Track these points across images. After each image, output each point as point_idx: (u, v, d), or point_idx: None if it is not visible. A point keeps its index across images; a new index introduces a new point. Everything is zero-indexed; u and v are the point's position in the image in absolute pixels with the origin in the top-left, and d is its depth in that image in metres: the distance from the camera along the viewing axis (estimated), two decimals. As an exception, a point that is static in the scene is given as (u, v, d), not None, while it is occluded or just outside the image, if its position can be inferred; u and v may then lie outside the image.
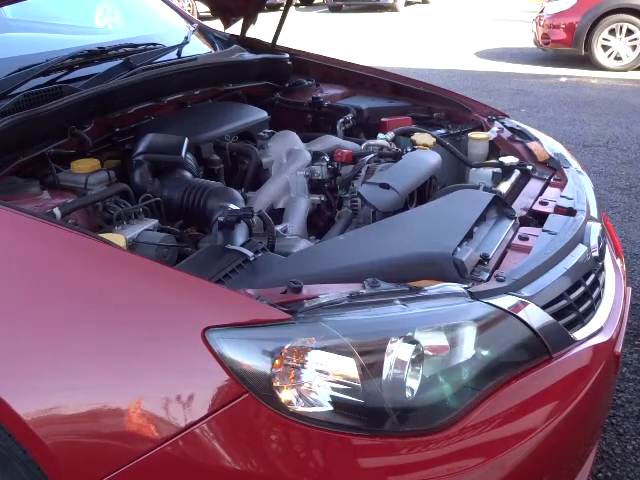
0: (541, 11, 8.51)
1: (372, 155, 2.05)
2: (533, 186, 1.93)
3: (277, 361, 1.08)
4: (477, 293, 1.26)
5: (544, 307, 1.34)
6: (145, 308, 1.13)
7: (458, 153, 2.27)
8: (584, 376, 1.34)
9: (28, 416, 1.10)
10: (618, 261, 1.87)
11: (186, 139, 1.94)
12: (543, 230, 1.61)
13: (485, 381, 1.19)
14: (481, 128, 2.42)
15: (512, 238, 1.59)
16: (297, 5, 18.50)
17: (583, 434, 1.41)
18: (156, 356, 1.09)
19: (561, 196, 1.83)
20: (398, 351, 1.11)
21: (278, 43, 2.76)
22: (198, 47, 2.60)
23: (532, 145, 2.20)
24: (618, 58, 7.98)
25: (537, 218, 1.74)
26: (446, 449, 1.11)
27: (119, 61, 2.11)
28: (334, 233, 1.81)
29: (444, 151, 2.24)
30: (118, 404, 1.08)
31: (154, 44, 2.33)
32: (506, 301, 1.28)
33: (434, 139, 2.25)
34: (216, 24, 3.02)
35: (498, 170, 2.03)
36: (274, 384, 1.07)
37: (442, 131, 2.42)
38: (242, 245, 1.49)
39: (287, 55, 2.71)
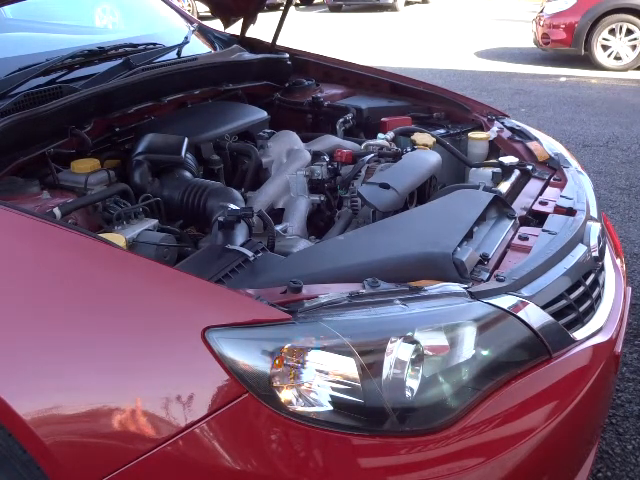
0: (541, 11, 8.50)
1: (372, 155, 2.05)
2: (533, 186, 1.93)
3: (277, 361, 1.08)
4: (477, 293, 1.26)
5: (544, 307, 1.34)
6: (145, 308, 1.13)
7: (458, 153, 2.27)
8: (584, 376, 1.34)
9: (28, 416, 1.10)
10: (618, 261, 1.87)
11: (186, 139, 1.94)
12: (543, 230, 1.61)
13: (485, 381, 1.19)
14: (481, 128, 2.42)
15: (512, 238, 1.59)
16: (297, 5, 18.48)
17: (583, 434, 1.41)
18: (156, 356, 1.09)
19: (561, 196, 1.83)
20: (398, 351, 1.11)
21: (278, 43, 2.76)
22: (198, 47, 2.60)
23: (532, 145, 2.20)
24: (618, 58, 7.98)
25: (537, 218, 1.74)
26: (446, 449, 1.11)
27: (119, 61, 2.11)
28: (334, 233, 1.81)
29: (444, 151, 2.24)
30: (118, 404, 1.08)
31: (154, 44, 2.33)
32: (506, 301, 1.28)
33: (434, 139, 2.25)
34: (216, 24, 3.02)
35: (498, 170, 2.02)
36: (274, 384, 1.07)
37: (442, 131, 2.42)
38: (242, 245, 1.49)
39: (287, 55, 2.72)
